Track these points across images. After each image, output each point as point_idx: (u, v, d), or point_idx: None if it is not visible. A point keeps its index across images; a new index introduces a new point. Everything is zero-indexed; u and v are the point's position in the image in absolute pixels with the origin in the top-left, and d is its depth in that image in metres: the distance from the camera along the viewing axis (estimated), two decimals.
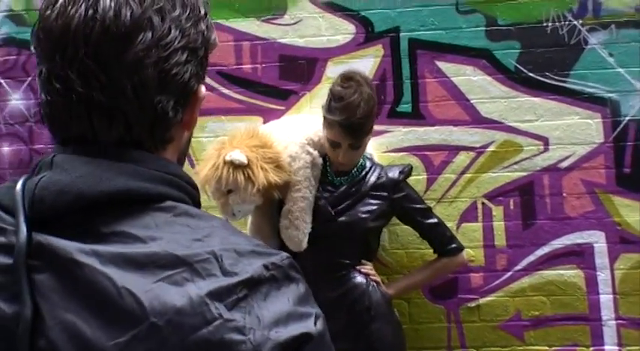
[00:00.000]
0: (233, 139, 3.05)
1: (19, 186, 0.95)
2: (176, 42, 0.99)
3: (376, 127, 3.26)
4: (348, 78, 2.96)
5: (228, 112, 3.57)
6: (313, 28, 3.49)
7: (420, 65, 3.42)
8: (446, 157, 3.41)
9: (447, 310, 3.41)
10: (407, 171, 3.15)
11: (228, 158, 2.90)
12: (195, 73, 1.02)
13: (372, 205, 3.07)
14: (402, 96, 3.42)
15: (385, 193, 3.07)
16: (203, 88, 1.07)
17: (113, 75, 0.96)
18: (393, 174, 3.10)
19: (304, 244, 3.03)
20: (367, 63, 3.36)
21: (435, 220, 3.16)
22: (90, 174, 0.95)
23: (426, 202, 3.29)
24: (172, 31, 0.99)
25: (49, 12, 0.98)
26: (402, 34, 3.42)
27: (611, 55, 3.29)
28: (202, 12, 1.06)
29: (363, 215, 3.05)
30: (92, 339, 0.87)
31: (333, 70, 3.37)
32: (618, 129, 3.31)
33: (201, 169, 3.05)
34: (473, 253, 3.36)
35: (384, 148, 3.40)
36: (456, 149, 3.40)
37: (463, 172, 3.39)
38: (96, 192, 0.93)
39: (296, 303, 0.94)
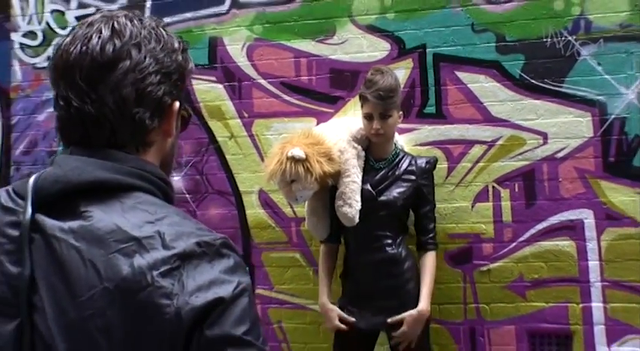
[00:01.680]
0: (292, 138, 3.48)
1: (32, 179, 1.14)
2: (150, 67, 1.16)
3: (406, 126, 3.71)
4: (377, 69, 3.46)
5: (288, 115, 3.98)
6: (356, 46, 3.86)
7: (442, 75, 3.76)
8: (463, 150, 3.72)
9: (464, 273, 3.70)
10: (433, 162, 3.52)
11: (290, 154, 3.31)
12: (168, 92, 1.19)
13: (403, 187, 3.44)
14: (428, 100, 3.77)
15: (413, 177, 3.44)
16: (177, 104, 1.23)
17: (100, 93, 1.14)
18: (422, 163, 3.48)
19: (356, 219, 3.36)
20: (399, 73, 3.65)
21: (430, 215, 3.49)
22: (77, 168, 1.12)
23: (446, 185, 3.65)
24: (147, 59, 1.16)
25: (57, 52, 1.20)
26: (427, 50, 3.77)
27: (599, 64, 3.55)
28: (177, 46, 1.23)
29: (397, 195, 3.43)
30: (65, 297, 1.05)
31: None
32: (605, 125, 3.56)
33: (268, 165, 3.47)
34: (485, 227, 3.65)
35: (413, 142, 3.73)
36: (471, 143, 3.71)
37: (477, 162, 3.71)
38: (78, 181, 1.11)
39: (222, 272, 1.07)
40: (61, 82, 1.16)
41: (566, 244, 3.61)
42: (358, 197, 3.40)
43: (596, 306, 3.56)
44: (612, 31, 3.56)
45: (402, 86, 3.60)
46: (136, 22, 1.19)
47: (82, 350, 1.04)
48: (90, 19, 1.21)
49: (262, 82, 4.07)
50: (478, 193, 3.72)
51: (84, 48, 1.14)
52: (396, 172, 3.46)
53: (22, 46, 4.43)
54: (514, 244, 3.66)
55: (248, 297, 1.07)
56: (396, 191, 3.44)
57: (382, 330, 3.51)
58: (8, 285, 1.08)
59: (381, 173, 3.46)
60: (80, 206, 1.10)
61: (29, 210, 1.10)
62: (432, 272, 3.44)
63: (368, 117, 3.36)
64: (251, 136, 4.09)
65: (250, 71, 4.09)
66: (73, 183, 1.11)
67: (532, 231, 3.65)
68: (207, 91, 4.13)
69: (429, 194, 3.48)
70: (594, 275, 3.57)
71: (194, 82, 4.08)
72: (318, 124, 3.79)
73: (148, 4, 4.17)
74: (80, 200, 1.11)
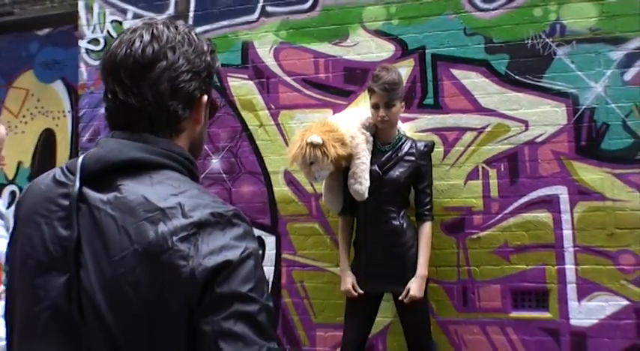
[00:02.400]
0: (311, 127, 3.64)
1: (80, 158, 1.18)
2: (183, 67, 1.21)
3: (409, 115, 3.85)
4: (383, 67, 3.62)
5: (309, 107, 4.17)
6: (366, 48, 4.08)
7: (439, 72, 3.95)
8: (457, 135, 3.89)
9: (457, 240, 3.88)
10: (431, 145, 3.68)
11: (309, 141, 3.48)
12: (198, 87, 1.24)
13: (405, 167, 3.59)
14: (427, 93, 3.96)
15: (413, 158, 3.58)
16: (205, 97, 1.27)
17: (141, 88, 1.19)
18: (421, 146, 3.64)
19: (366, 195, 3.51)
20: (402, 71, 3.80)
21: (427, 190, 3.61)
22: (116, 149, 1.17)
23: (442, 166, 3.80)
24: (180, 60, 1.21)
25: (106, 54, 1.24)
26: (427, 51, 3.97)
27: (572, 62, 3.74)
28: (206, 48, 1.27)
29: (399, 174, 3.57)
30: (103, 256, 1.11)
31: None
32: (577, 115, 3.73)
33: (291, 150, 3.63)
34: (475, 201, 3.82)
35: (415, 129, 3.91)
36: (464, 130, 3.89)
37: (469, 146, 3.88)
38: (116, 159, 1.15)
39: (232, 239, 1.11)
40: (110, 78, 1.22)
41: (544, 216, 3.77)
42: (367, 176, 3.53)
43: (569, 268, 3.73)
44: (583, 34, 3.73)
45: (404, 82, 3.76)
46: (171, 28, 1.24)
47: (115, 301, 1.10)
48: (134, 25, 1.26)
49: (287, 78, 4.24)
50: (469, 172, 3.89)
51: (128, 51, 1.20)
52: (399, 154, 3.60)
53: (88, 51, 4.65)
54: (500, 215, 3.83)
55: (254, 260, 1.11)
56: (398, 170, 3.57)
57: (387, 292, 3.66)
58: (60, 245, 1.15)
59: (387, 155, 3.60)
60: (117, 181, 1.16)
61: (77, 184, 1.16)
62: (427, 240, 3.55)
63: (375, 106, 3.52)
64: (277, 124, 4.25)
65: (276, 70, 4.26)
66: (112, 161, 1.16)
67: (515, 204, 3.81)
68: (240, 86, 4.31)
69: (427, 173, 3.61)
70: (567, 242, 3.73)
71: (229, 79, 4.28)
72: (333, 114, 3.98)
73: (191, 14, 4.37)
74: (117, 176, 1.16)
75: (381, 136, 3.66)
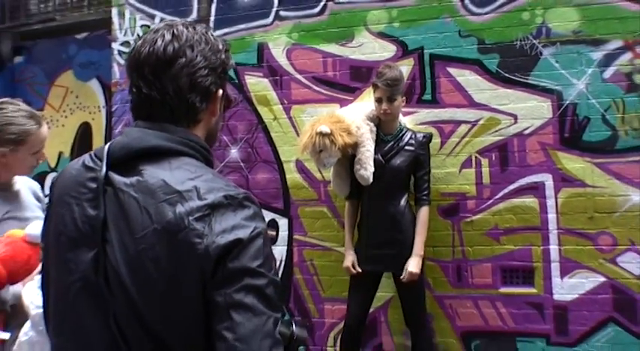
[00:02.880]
0: (319, 119, 3.79)
1: (107, 145, 1.22)
2: (200, 63, 1.24)
3: (409, 109, 3.96)
4: (386, 65, 3.74)
5: (318, 101, 4.31)
6: (370, 49, 4.21)
7: (436, 70, 4.07)
8: (452, 128, 4.01)
9: (452, 223, 4.00)
10: (429, 136, 3.78)
11: (318, 130, 3.61)
12: (214, 82, 1.27)
13: (404, 156, 3.69)
14: (425, 89, 4.09)
15: (413, 148, 3.68)
16: (220, 91, 1.29)
17: (163, 83, 1.22)
18: (420, 137, 3.74)
19: (371, 179, 3.60)
20: (403, 69, 3.93)
21: (425, 177, 3.67)
22: (139, 137, 1.20)
23: (439, 156, 3.89)
24: (198, 57, 1.24)
25: (131, 52, 1.27)
26: (425, 51, 4.10)
27: (557, 62, 3.85)
28: (221, 47, 1.29)
29: (400, 162, 3.67)
30: (126, 234, 1.15)
31: None
32: (561, 109, 3.84)
33: (301, 139, 3.75)
34: (469, 187, 3.93)
35: (415, 121, 4.03)
36: (459, 123, 4.01)
37: (463, 137, 3.99)
38: (139, 146, 1.19)
39: (243, 219, 1.13)
40: (134, 74, 1.25)
41: (530, 201, 3.87)
42: (372, 162, 3.62)
43: (553, 248, 3.84)
44: (567, 36, 3.83)
45: (405, 79, 3.89)
46: (190, 29, 1.27)
47: (137, 273, 1.13)
48: (156, 26, 1.29)
49: (298, 76, 4.37)
50: (464, 161, 4.00)
51: (151, 49, 1.23)
52: (400, 144, 3.69)
53: (120, 52, 4.83)
54: (491, 200, 3.95)
55: (262, 239, 1.14)
56: (399, 159, 3.67)
57: (386, 272, 3.76)
58: (89, 224, 1.19)
59: (389, 145, 3.69)
60: (139, 166, 1.19)
61: (104, 169, 1.19)
62: (424, 223, 3.63)
63: (378, 100, 3.62)
64: (289, 118, 4.39)
65: (289, 68, 4.39)
66: (135, 148, 1.19)
67: (505, 191, 3.92)
68: (256, 83, 4.45)
69: (425, 161, 3.69)
70: (552, 224, 3.84)
71: (246, 77, 4.43)
72: (340, 108, 4.09)
73: (212, 18, 4.53)
74: (140, 161, 1.19)
75: (383, 127, 3.75)
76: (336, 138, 3.60)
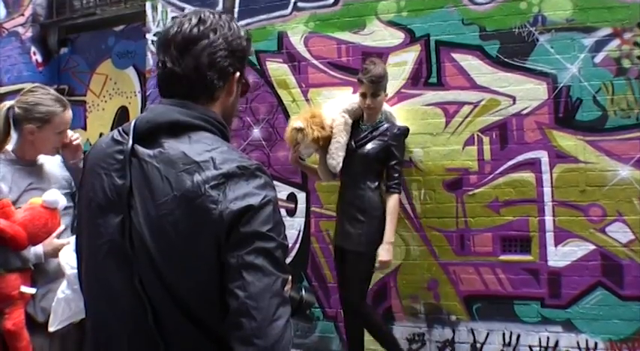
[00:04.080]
0: (300, 115, 3.86)
1: (134, 120, 1.26)
2: (221, 46, 1.27)
3: (416, 92, 4.03)
4: (371, 60, 3.73)
5: (333, 85, 4.40)
6: (380, 36, 4.25)
7: (441, 56, 4.12)
8: (456, 109, 4.07)
9: (456, 196, 4.05)
10: (403, 130, 3.73)
11: (293, 126, 3.75)
12: (232, 64, 1.29)
13: (375, 144, 3.70)
14: (431, 73, 4.14)
15: (385, 139, 3.68)
16: (238, 73, 1.31)
17: (185, 59, 1.25)
18: (394, 129, 3.70)
19: (338, 168, 3.69)
20: (411, 55, 4.11)
21: (396, 167, 3.63)
22: (162, 112, 1.23)
23: (444, 134, 3.93)
24: (219, 39, 1.27)
25: (161, 32, 1.30)
26: (431, 38, 4.15)
27: (552, 47, 3.90)
28: (242, 34, 1.32)
29: (369, 149, 3.68)
30: (149, 201, 1.18)
31: (392, 60, 4.19)
32: (556, 91, 3.90)
33: (285, 134, 3.85)
34: (471, 163, 3.97)
35: (421, 103, 4.07)
36: (462, 104, 4.07)
37: (466, 117, 4.07)
38: (162, 121, 1.22)
39: (255, 187, 1.16)
40: (161, 50, 1.28)
41: (528, 176, 3.94)
42: (341, 153, 3.69)
43: (548, 219, 3.91)
44: (561, 24, 3.87)
45: (412, 65, 4.01)
46: (216, 15, 1.30)
47: (158, 236, 1.15)
48: (186, 12, 1.34)
49: (315, 62, 4.45)
50: (467, 139, 4.05)
51: (178, 29, 1.27)
52: (374, 134, 3.70)
53: (153, 42, 4.90)
54: (492, 175, 4.01)
55: (272, 206, 1.16)
56: (370, 146, 3.68)
57: (345, 248, 3.74)
58: (116, 192, 1.21)
59: (364, 133, 3.72)
60: (162, 139, 1.21)
61: (130, 142, 1.22)
62: (393, 211, 3.57)
63: (363, 95, 3.64)
64: (307, 100, 4.46)
65: (306, 55, 4.47)
66: (158, 122, 1.22)
67: (504, 166, 3.98)
68: (277, 69, 4.53)
69: (397, 152, 3.64)
70: (547, 197, 3.91)
71: (267, 63, 4.49)
72: (354, 92, 4.07)
73: (236, 9, 4.63)
74: (162, 135, 1.22)
75: (367, 118, 3.79)
76: (308, 131, 3.70)
